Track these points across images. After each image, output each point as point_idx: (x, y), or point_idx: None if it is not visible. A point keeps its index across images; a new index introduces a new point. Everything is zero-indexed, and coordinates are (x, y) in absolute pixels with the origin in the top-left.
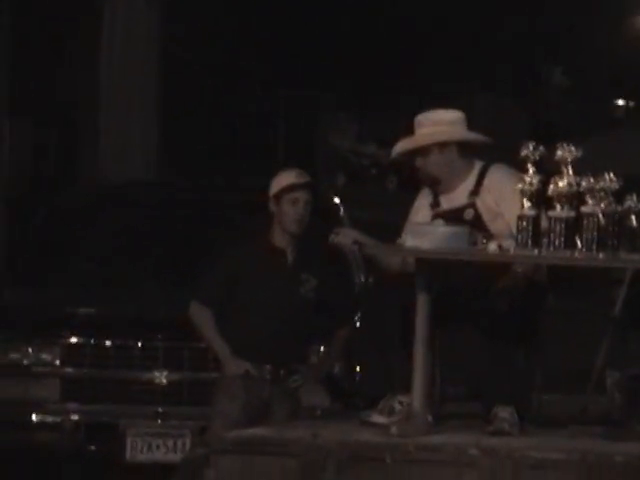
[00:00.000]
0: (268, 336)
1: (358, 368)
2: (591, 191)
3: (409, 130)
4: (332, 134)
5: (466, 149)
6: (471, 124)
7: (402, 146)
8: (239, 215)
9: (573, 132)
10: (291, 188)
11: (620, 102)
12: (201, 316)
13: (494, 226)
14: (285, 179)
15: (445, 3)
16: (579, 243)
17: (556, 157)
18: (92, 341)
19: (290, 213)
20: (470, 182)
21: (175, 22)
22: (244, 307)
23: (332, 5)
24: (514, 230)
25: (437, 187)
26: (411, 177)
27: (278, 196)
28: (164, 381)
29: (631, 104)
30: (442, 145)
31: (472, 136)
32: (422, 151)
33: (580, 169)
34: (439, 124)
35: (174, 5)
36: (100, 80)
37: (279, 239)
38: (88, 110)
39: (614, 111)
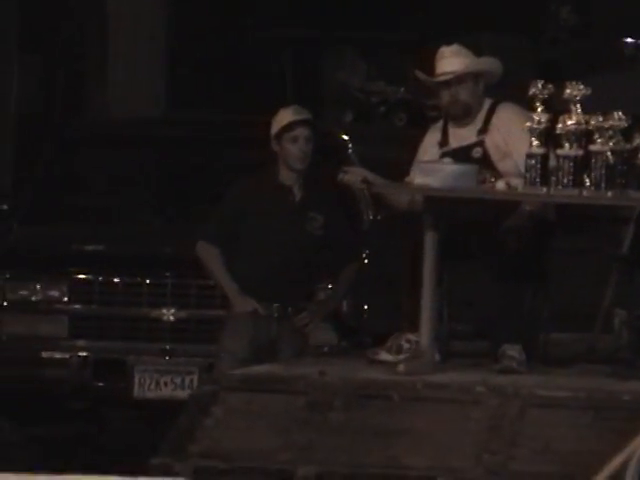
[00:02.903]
0: (275, 274)
1: (366, 306)
2: (600, 129)
3: (418, 67)
4: (340, 71)
5: None
6: None
7: (455, 66)
8: (247, 151)
9: (582, 70)
10: (290, 126)
11: (630, 40)
12: (208, 254)
13: (502, 164)
14: (283, 118)
15: None
16: (587, 181)
17: (565, 95)
18: (100, 278)
19: (292, 151)
20: (479, 120)
21: None
22: (251, 244)
23: None
24: (522, 169)
25: (462, 119)
26: (420, 114)
27: (279, 135)
28: (172, 318)
29: None
30: (476, 75)
31: (500, 70)
32: (459, 79)
33: (589, 107)
34: (469, 55)
35: None
36: (107, 15)
37: (285, 176)
38: (96, 44)
39: (623, 49)
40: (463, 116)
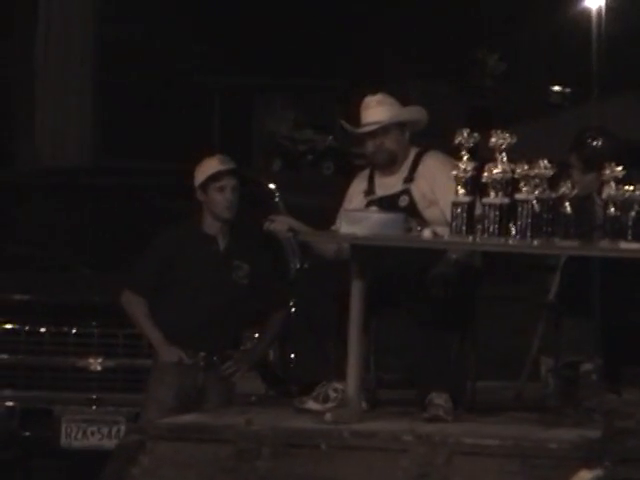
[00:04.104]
0: (201, 323)
1: (293, 355)
2: (525, 178)
3: (346, 115)
4: (269, 120)
5: None
6: None
7: (380, 116)
8: (174, 200)
9: (508, 118)
10: (217, 176)
11: (556, 88)
12: (134, 305)
13: (429, 213)
14: (209, 167)
15: None
16: (513, 230)
17: (490, 144)
18: (26, 327)
19: (219, 201)
20: (405, 169)
21: (112, 4)
22: (177, 294)
23: None
24: (448, 217)
25: (388, 168)
26: (347, 163)
27: (205, 185)
28: (99, 368)
29: (567, 90)
30: (402, 125)
31: (426, 119)
32: (384, 129)
33: (515, 156)
34: (395, 104)
35: None
36: (37, 62)
37: (210, 226)
38: (24, 93)
39: (550, 97)
40: (389, 165)
